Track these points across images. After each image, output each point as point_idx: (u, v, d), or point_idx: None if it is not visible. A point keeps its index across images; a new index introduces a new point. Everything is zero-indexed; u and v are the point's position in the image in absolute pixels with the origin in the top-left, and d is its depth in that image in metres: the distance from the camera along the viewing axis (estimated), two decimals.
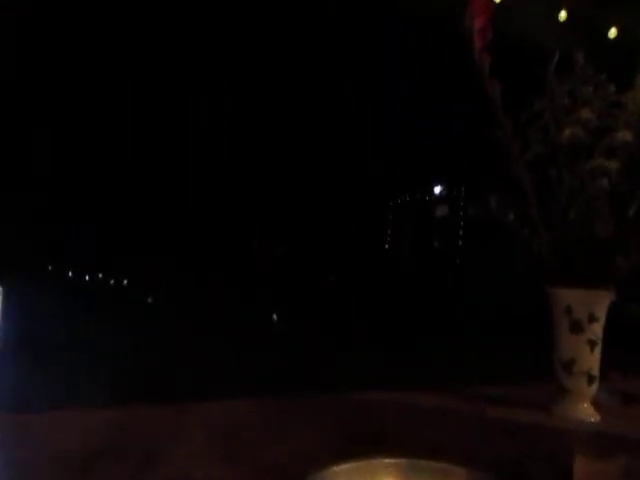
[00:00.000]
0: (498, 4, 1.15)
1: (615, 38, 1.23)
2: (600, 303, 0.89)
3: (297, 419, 0.84)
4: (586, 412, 0.90)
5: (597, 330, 0.89)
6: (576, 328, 0.89)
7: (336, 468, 0.54)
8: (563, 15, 1.20)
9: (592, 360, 0.89)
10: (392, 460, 0.56)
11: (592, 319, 0.88)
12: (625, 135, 0.82)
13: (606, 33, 1.24)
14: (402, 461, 0.56)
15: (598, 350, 0.90)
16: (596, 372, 0.90)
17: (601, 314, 0.89)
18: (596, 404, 0.91)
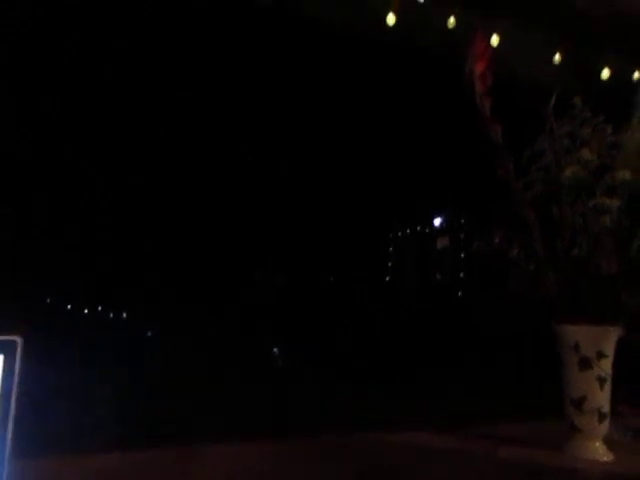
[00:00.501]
0: (496, 48, 1.20)
1: (608, 79, 1.28)
2: (608, 339, 0.89)
3: (310, 461, 0.83)
4: (598, 451, 0.89)
5: (606, 366, 0.89)
6: (585, 365, 0.89)
7: None
8: (557, 58, 1.24)
9: (602, 397, 0.89)
10: None
11: (601, 355, 0.89)
12: (624, 174, 0.84)
13: (599, 75, 1.29)
14: None
15: (608, 387, 0.89)
16: (607, 409, 0.89)
17: (609, 350, 0.90)
18: (608, 442, 0.90)
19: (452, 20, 1.19)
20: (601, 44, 1.28)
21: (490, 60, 0.91)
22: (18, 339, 0.50)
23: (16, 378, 0.49)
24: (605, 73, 1.28)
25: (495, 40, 1.21)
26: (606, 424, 0.89)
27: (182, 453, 0.83)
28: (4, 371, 0.49)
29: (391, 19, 1.22)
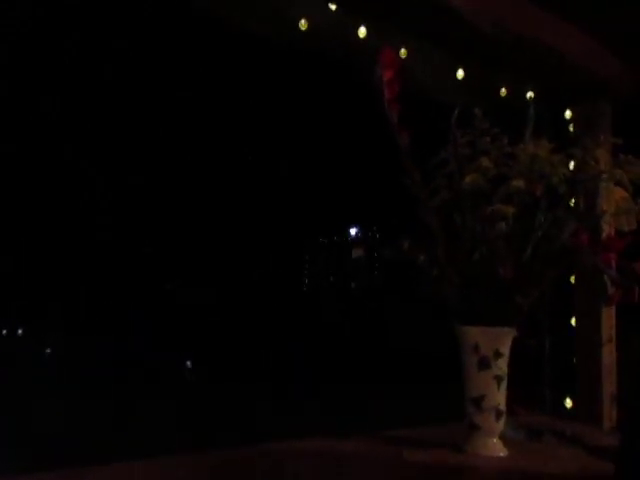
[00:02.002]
0: (404, 60, 1.23)
1: (505, 97, 1.37)
2: (504, 340, 0.94)
3: (206, 476, 0.78)
4: (495, 448, 0.92)
5: (503, 366, 0.93)
6: (484, 365, 0.93)
7: None
8: (460, 74, 1.31)
9: (499, 396, 0.93)
10: None
11: (498, 355, 0.93)
12: (519, 182, 0.89)
13: (498, 92, 1.38)
14: None
15: (504, 385, 0.94)
16: (503, 407, 0.93)
17: (505, 350, 0.94)
18: (504, 439, 0.94)
19: (363, 30, 1.21)
20: (500, 64, 1.36)
21: (398, 69, 0.93)
22: None
23: None
24: (503, 91, 1.36)
25: (403, 53, 1.25)
26: (502, 422, 0.93)
27: (70, 474, 0.75)
28: None
29: (303, 25, 1.21)
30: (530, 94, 1.35)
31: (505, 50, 1.27)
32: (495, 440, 0.93)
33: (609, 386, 1.25)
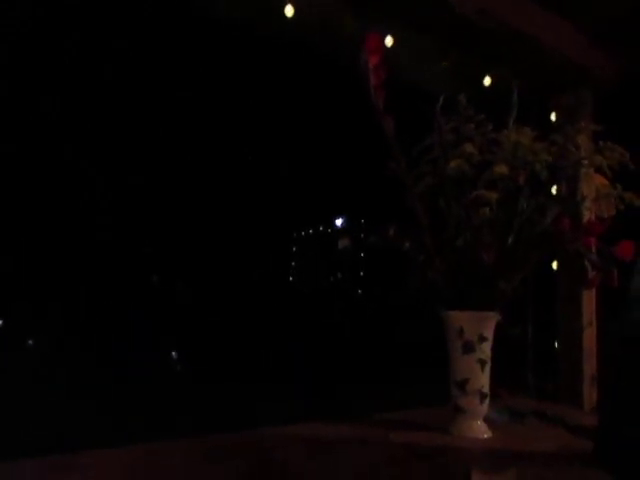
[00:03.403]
0: (390, 49, 1.23)
1: (490, 85, 1.39)
2: (488, 324, 0.96)
3: (194, 461, 0.78)
4: (479, 430, 0.94)
5: (486, 349, 0.95)
6: (468, 349, 0.94)
7: None
8: (446, 62, 1.33)
9: (483, 378, 0.95)
10: None
11: (482, 339, 0.94)
12: (502, 169, 0.90)
13: (482, 81, 1.40)
14: None
15: (488, 369, 0.95)
16: (487, 390, 0.95)
17: (489, 334, 0.96)
18: (487, 421, 0.96)
19: (349, 17, 1.21)
20: (485, 53, 1.37)
21: (383, 54, 0.93)
22: None
23: None
24: (487, 79, 1.38)
25: (389, 41, 1.25)
26: (486, 404, 0.95)
27: (58, 462, 0.75)
28: None
29: (289, 11, 1.21)
30: (514, 83, 1.36)
31: (489, 39, 1.28)
32: (479, 422, 0.95)
33: (590, 369, 1.28)
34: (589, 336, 1.30)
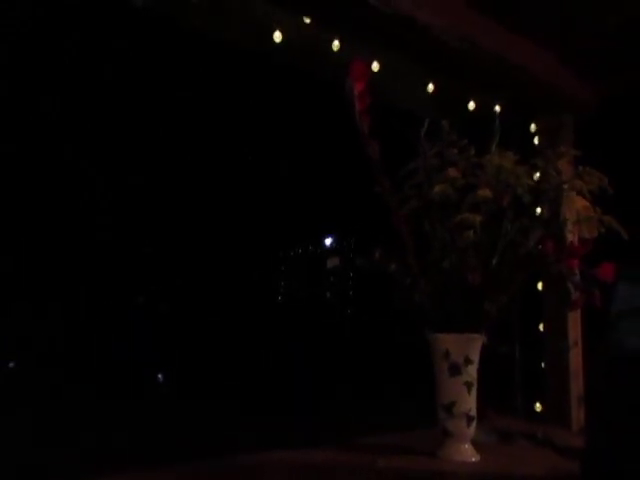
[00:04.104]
0: (376, 74, 1.26)
1: (474, 110, 1.42)
2: (474, 346, 0.96)
3: None
4: (467, 453, 0.94)
5: (472, 372, 0.95)
6: (454, 371, 0.94)
7: None
8: (431, 87, 1.36)
9: (470, 401, 0.95)
10: None
11: (468, 362, 0.95)
12: (485, 192, 0.92)
13: (466, 105, 1.43)
14: None
15: (474, 391, 0.96)
16: (474, 412, 0.95)
17: (475, 357, 0.96)
18: (475, 444, 0.96)
19: (337, 43, 1.24)
20: (468, 79, 1.41)
21: (368, 81, 0.95)
22: None
23: None
24: (471, 104, 1.41)
25: (375, 66, 1.28)
26: (474, 426, 0.95)
27: None
28: None
29: (278, 37, 1.23)
30: (497, 108, 1.40)
31: (473, 65, 1.32)
32: (467, 445, 0.95)
33: (576, 388, 1.28)
34: (575, 356, 1.31)
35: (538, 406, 1.38)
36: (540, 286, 1.40)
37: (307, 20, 1.19)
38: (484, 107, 1.40)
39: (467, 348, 0.95)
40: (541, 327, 1.39)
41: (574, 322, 1.32)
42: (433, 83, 1.38)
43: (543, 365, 1.38)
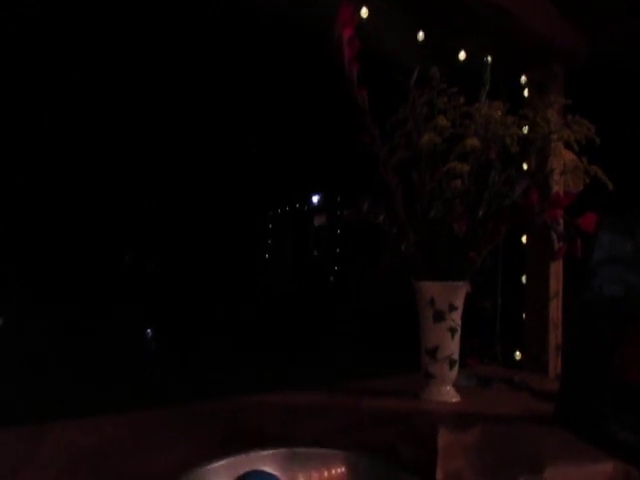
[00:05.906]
0: (365, 21, 1.23)
1: (464, 60, 1.40)
2: (458, 294, 0.98)
3: (171, 429, 0.80)
4: (448, 394, 0.98)
5: (456, 318, 0.98)
6: (438, 318, 0.97)
7: (210, 466, 0.52)
8: (421, 36, 1.33)
9: (453, 346, 0.98)
10: (270, 451, 0.56)
11: (452, 308, 0.97)
12: (474, 142, 0.92)
13: (457, 55, 1.41)
14: (281, 451, 0.56)
15: (457, 337, 0.99)
16: (456, 357, 0.99)
17: (459, 303, 0.99)
18: (456, 387, 1.00)
19: None
20: (460, 28, 1.38)
21: (357, 27, 0.93)
22: None
23: None
24: (462, 55, 1.39)
25: (364, 12, 1.25)
26: (455, 370, 0.99)
27: (39, 430, 0.75)
28: None
29: None
30: (488, 58, 1.38)
31: (464, 14, 1.29)
32: (448, 387, 0.99)
33: (555, 338, 1.33)
34: (554, 307, 1.35)
35: (518, 355, 1.43)
36: (524, 239, 1.42)
37: None
38: (475, 57, 1.38)
39: (452, 295, 0.97)
40: (523, 279, 1.42)
41: (555, 274, 1.35)
42: (423, 31, 1.36)
43: (524, 316, 1.42)
